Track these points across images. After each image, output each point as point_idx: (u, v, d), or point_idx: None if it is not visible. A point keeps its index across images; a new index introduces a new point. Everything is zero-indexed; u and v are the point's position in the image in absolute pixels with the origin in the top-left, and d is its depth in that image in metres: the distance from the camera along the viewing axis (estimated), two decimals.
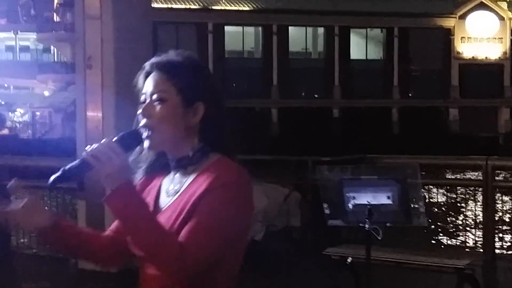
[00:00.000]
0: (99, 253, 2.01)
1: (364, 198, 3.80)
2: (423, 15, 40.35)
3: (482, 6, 41.89)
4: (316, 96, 40.32)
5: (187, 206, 1.82)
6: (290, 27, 40.00)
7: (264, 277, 6.91)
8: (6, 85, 52.95)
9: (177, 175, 1.92)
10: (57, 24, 42.48)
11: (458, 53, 41.71)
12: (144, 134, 1.88)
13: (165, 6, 37.19)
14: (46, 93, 48.38)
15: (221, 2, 39.31)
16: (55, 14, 45.01)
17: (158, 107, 1.87)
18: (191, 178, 1.88)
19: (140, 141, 1.89)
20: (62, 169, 1.81)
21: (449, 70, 41.54)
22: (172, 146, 1.90)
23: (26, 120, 51.14)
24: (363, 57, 41.74)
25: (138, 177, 1.98)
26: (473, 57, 41.67)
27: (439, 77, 41.16)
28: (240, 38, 40.20)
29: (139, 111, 1.90)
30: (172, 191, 1.91)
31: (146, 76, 1.93)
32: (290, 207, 7.66)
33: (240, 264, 1.91)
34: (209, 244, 1.76)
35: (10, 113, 54.03)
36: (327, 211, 4.19)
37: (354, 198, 3.82)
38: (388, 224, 4.04)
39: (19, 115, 55.46)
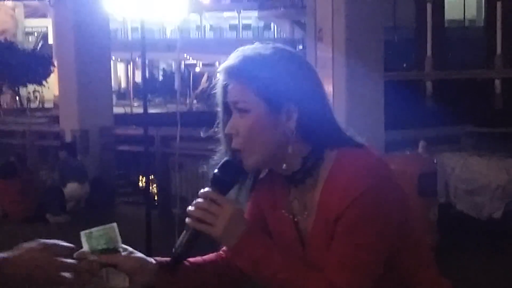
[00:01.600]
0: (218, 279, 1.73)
1: None
2: None
3: None
4: None
5: (326, 229, 1.55)
6: None
7: (504, 256, 6.54)
8: None
9: (298, 192, 1.63)
10: (277, 1, 43.63)
11: None
12: (239, 155, 1.59)
13: None
14: None
15: None
16: None
17: (242, 121, 1.57)
18: (318, 192, 1.58)
19: (239, 170, 1.60)
20: (172, 253, 1.60)
21: None
22: (275, 161, 1.59)
23: None
24: None
25: (245, 205, 1.71)
26: None
27: None
28: (461, 6, 38.50)
29: (226, 129, 1.61)
30: (302, 213, 1.63)
31: (225, 85, 1.62)
32: None
33: (428, 249, 1.67)
34: (361, 277, 1.50)
35: None
36: None
37: None
38: None
39: None
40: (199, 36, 53.64)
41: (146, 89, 7.94)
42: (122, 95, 40.98)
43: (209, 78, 49.10)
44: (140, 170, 11.02)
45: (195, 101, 34.07)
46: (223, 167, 1.59)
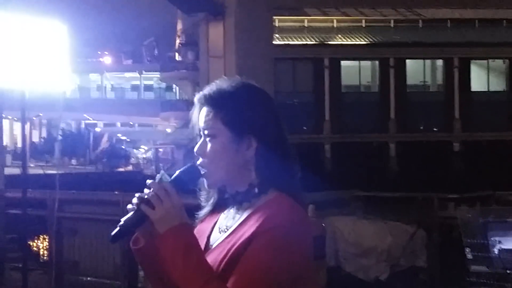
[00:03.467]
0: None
1: None
2: None
3: None
4: (435, 129, 39.30)
5: (234, 246, 1.71)
6: (407, 60, 39.39)
7: None
8: (131, 122, 55.17)
9: (232, 210, 1.82)
10: (179, 63, 44.00)
11: None
12: (202, 172, 1.79)
13: (282, 42, 37.67)
14: (169, 130, 49.99)
15: (337, 36, 39.36)
16: (177, 54, 46.64)
17: (209, 144, 1.79)
18: (244, 216, 1.77)
19: (198, 177, 1.80)
20: (118, 225, 1.73)
21: None
22: (229, 182, 1.80)
23: (149, 156, 52.96)
24: (485, 89, 40.39)
25: (205, 212, 1.89)
26: None
27: None
28: (356, 72, 39.98)
29: (195, 149, 1.82)
30: (224, 228, 1.82)
31: (199, 111, 1.84)
32: (416, 246, 7.44)
33: None
34: None
35: (134, 150, 56.17)
36: (469, 256, 3.96)
37: (500, 242, 3.59)
38: None
39: (142, 152, 57.54)
40: (100, 96, 53.10)
41: (25, 150, 7.69)
42: (18, 155, 39.73)
43: (110, 138, 48.58)
44: (33, 234, 10.72)
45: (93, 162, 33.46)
46: (187, 170, 1.79)
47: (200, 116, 1.82)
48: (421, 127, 39.00)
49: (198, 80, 43.05)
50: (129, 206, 1.74)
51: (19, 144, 44.58)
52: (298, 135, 28.62)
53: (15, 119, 43.16)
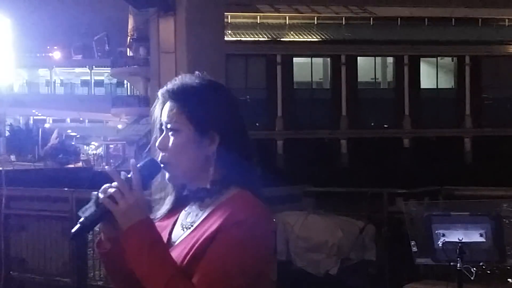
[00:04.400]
0: None
1: (455, 236, 3.65)
2: (495, 42, 39.58)
3: None
4: (385, 126, 39.87)
5: (198, 242, 1.71)
6: (358, 57, 39.84)
7: None
8: (81, 118, 54.49)
9: (194, 207, 1.83)
10: (130, 58, 43.61)
11: None
12: (162, 166, 1.79)
13: (234, 38, 37.66)
14: (120, 126, 49.53)
15: (289, 33, 39.56)
16: (128, 49, 46.22)
17: (171, 139, 1.79)
18: (207, 212, 1.78)
19: (158, 171, 1.80)
20: (79, 221, 1.70)
21: None
22: (191, 178, 1.80)
23: (100, 153, 52.40)
24: (434, 86, 41.14)
25: (165, 210, 1.88)
26: None
27: None
28: (308, 69, 40.28)
29: (156, 143, 1.82)
30: (187, 224, 1.82)
31: (162, 105, 1.84)
32: (366, 241, 7.52)
33: None
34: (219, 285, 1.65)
35: (85, 146, 55.49)
36: (414, 249, 4.02)
37: (443, 235, 3.66)
38: (481, 264, 3.86)
39: (93, 148, 56.89)
40: (49, 91, 52.28)
41: None
42: None
43: (59, 135, 47.85)
44: None
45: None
46: (146, 164, 1.77)
47: (163, 110, 1.82)
48: (372, 124, 39.52)
49: (149, 76, 42.74)
50: (91, 202, 1.72)
51: None
52: (250, 131, 28.67)
53: None
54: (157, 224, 1.83)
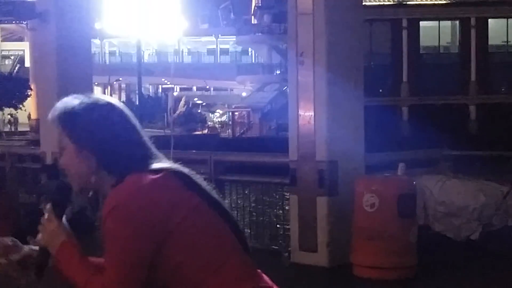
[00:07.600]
0: None
1: None
2: None
3: None
4: None
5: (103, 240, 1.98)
6: (489, 20, 38.11)
7: (481, 278, 6.63)
8: (207, 86, 55.69)
9: None
10: (255, 26, 43.88)
11: None
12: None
13: None
14: (244, 94, 50.20)
15: None
16: (253, 17, 46.56)
17: (62, 157, 2.08)
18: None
19: (69, 188, 2.08)
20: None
21: None
22: (85, 186, 2.07)
23: (224, 120, 53.42)
24: None
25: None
26: None
27: None
28: (436, 33, 38.99)
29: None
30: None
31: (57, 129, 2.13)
32: (510, 206, 7.24)
33: (207, 259, 1.91)
34: (120, 269, 1.89)
35: (210, 113, 56.74)
36: None
37: None
38: None
39: (218, 116, 58.08)
40: (177, 60, 53.72)
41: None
42: None
43: (187, 103, 49.14)
44: None
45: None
46: (56, 190, 2.10)
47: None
48: (503, 89, 37.85)
49: (275, 44, 43.00)
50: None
51: None
52: (374, 97, 28.26)
53: (96, 83, 44.24)
54: None
